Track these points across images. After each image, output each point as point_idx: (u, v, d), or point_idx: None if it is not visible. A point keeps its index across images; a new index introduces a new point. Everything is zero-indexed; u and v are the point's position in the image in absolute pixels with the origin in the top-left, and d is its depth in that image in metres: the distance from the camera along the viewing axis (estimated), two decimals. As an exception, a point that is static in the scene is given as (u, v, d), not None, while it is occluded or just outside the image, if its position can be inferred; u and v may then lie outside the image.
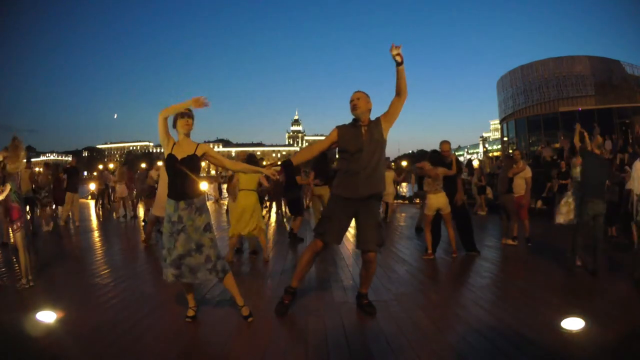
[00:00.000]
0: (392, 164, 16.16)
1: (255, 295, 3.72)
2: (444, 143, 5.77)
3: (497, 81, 34.44)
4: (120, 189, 10.71)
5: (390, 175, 9.53)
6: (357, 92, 3.21)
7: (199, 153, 2.96)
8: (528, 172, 6.38)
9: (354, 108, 3.16)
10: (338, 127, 3.23)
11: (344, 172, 3.16)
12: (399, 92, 3.12)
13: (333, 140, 3.22)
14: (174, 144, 2.96)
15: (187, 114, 2.98)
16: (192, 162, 2.91)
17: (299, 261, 3.36)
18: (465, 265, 5.07)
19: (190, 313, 3.09)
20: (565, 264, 4.74)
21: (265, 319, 3.11)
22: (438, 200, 5.33)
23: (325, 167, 6.62)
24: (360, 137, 3.14)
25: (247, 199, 5.07)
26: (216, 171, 13.84)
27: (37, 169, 9.90)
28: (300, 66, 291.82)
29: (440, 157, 5.60)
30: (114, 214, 11.41)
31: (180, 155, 2.91)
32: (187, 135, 3.02)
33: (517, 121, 29.91)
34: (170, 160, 2.91)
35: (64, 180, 9.09)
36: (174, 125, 3.01)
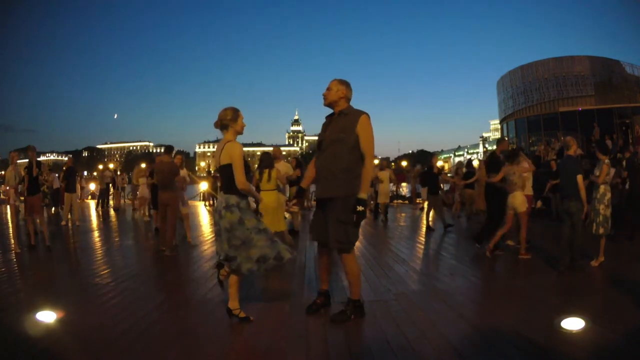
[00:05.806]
0: (392, 164, 16.21)
1: (255, 295, 3.72)
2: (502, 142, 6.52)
3: (497, 81, 34.50)
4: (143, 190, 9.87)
5: (386, 174, 9.64)
6: (331, 81, 2.98)
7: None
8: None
9: (324, 99, 2.99)
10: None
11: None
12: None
13: None
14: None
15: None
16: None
17: None
18: (466, 265, 5.07)
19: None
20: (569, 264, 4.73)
21: (265, 319, 3.11)
22: (514, 199, 5.24)
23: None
24: (323, 131, 2.99)
25: (267, 198, 5.37)
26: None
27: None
28: (301, 66, 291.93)
29: (498, 160, 5.75)
30: (135, 215, 10.91)
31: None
32: (236, 134, 3.01)
33: (517, 121, 29.93)
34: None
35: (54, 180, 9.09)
36: (235, 121, 2.93)
